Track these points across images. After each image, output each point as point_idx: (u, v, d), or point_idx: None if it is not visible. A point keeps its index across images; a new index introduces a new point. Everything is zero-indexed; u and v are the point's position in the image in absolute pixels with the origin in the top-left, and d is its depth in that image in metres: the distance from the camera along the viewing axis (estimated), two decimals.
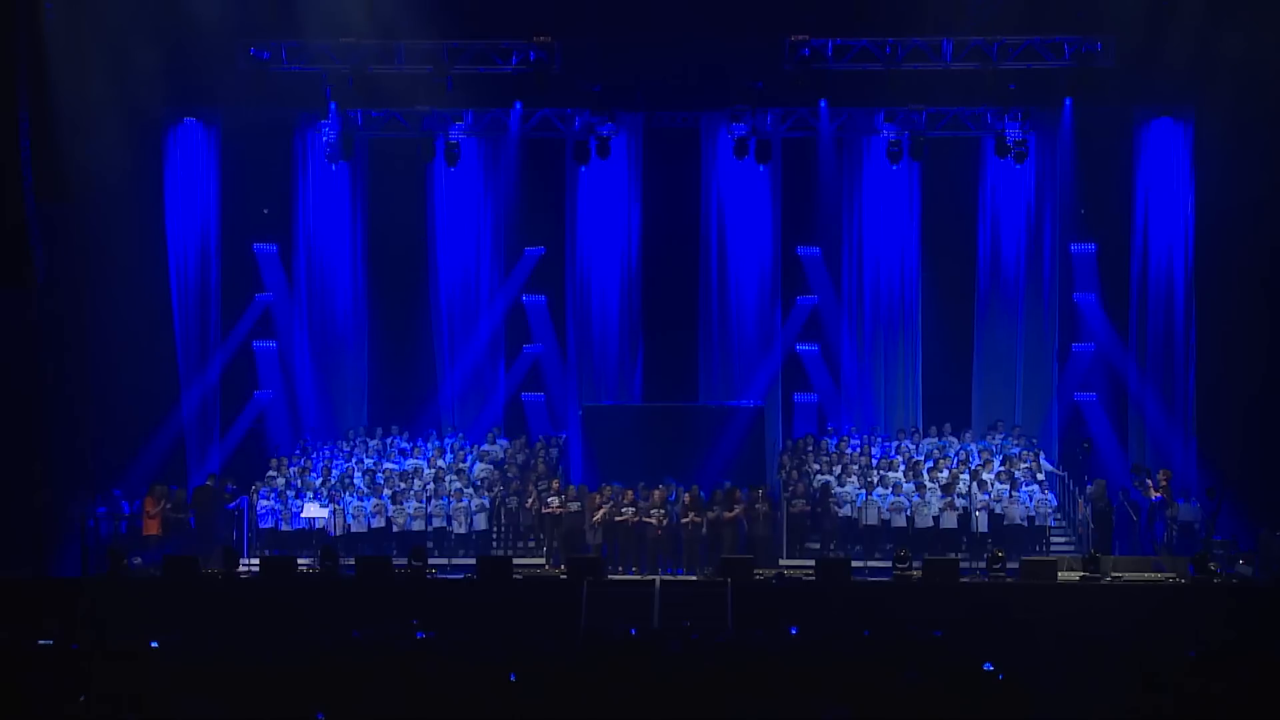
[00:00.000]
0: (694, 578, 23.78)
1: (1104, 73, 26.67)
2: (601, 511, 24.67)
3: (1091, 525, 25.14)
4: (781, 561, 24.67)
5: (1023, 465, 26.40)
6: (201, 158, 28.75)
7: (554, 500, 25.30)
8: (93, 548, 24.02)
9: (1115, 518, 25.48)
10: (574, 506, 25.20)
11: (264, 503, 25.73)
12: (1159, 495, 25.39)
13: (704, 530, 24.73)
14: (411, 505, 25.63)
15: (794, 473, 26.46)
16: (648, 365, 29.36)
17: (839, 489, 25.93)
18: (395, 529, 25.56)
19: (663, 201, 29.34)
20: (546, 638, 16.71)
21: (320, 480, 26.40)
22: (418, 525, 25.57)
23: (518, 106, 28.52)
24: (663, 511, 24.66)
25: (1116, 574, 23.33)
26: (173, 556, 23.75)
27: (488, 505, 25.97)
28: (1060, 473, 27.28)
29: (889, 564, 23.64)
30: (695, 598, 22.33)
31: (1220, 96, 26.43)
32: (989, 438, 27.87)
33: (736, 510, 24.75)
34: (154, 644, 16.58)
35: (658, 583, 22.78)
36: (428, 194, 29.45)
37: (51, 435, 25.36)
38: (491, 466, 27.22)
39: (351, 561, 23.95)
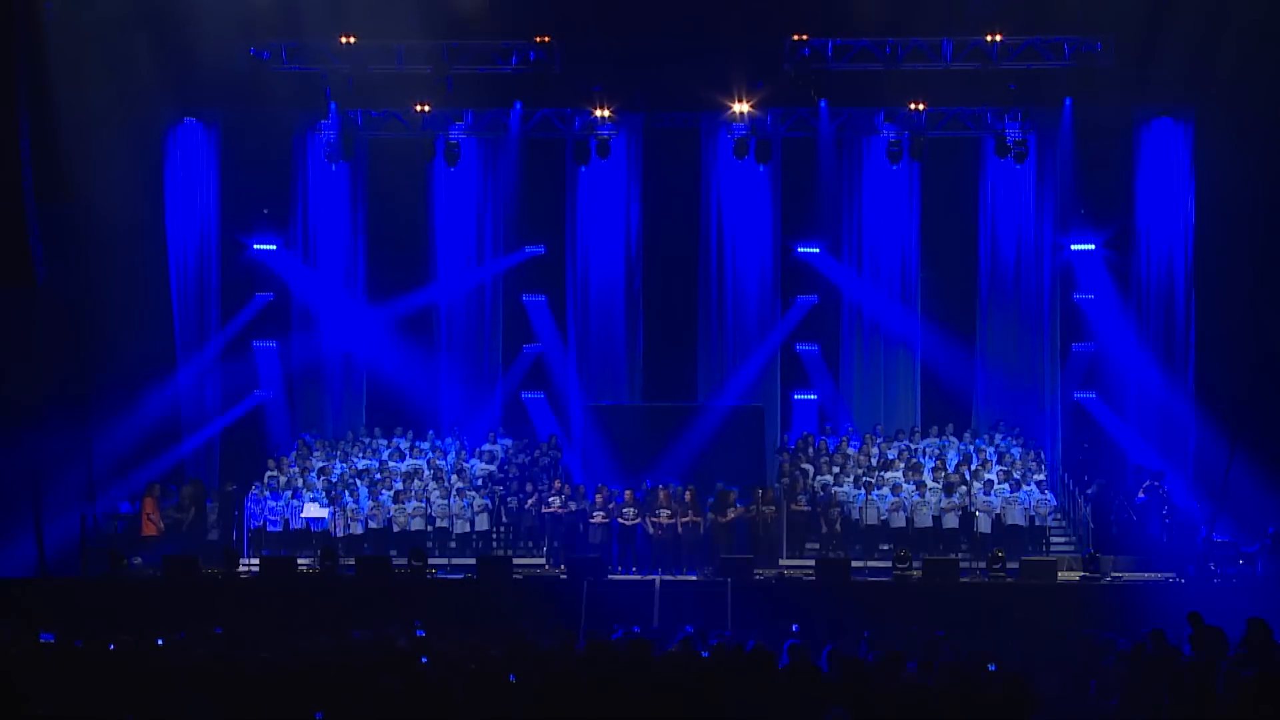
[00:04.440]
0: (694, 578, 23.79)
1: (1104, 73, 26.67)
2: (600, 518, 24.70)
3: (1091, 525, 25.16)
4: (781, 561, 24.67)
5: (1023, 466, 26.41)
6: (201, 158, 28.76)
7: (554, 500, 25.31)
8: (93, 548, 24.02)
9: (1115, 518, 25.50)
10: (574, 506, 25.22)
11: (264, 503, 25.74)
12: (1144, 496, 25.42)
13: (703, 530, 24.75)
14: (411, 505, 25.63)
15: (794, 472, 26.46)
16: (648, 365, 29.37)
17: (839, 489, 25.94)
18: (395, 529, 25.56)
19: (663, 201, 29.34)
20: (546, 638, 16.68)
21: (320, 480, 26.40)
22: (418, 525, 25.56)
23: (518, 106, 28.53)
24: (665, 511, 24.66)
25: (1116, 574, 23.35)
26: (173, 556, 23.77)
27: (488, 505, 25.99)
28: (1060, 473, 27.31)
29: (889, 564, 23.67)
30: (695, 598, 22.35)
31: (1220, 96, 26.41)
32: (989, 438, 27.87)
33: (732, 513, 24.76)
34: (159, 641, 16.64)
35: (658, 583, 22.80)
36: (428, 194, 29.46)
37: (51, 435, 25.34)
38: (492, 466, 27.23)
39: (351, 561, 23.97)
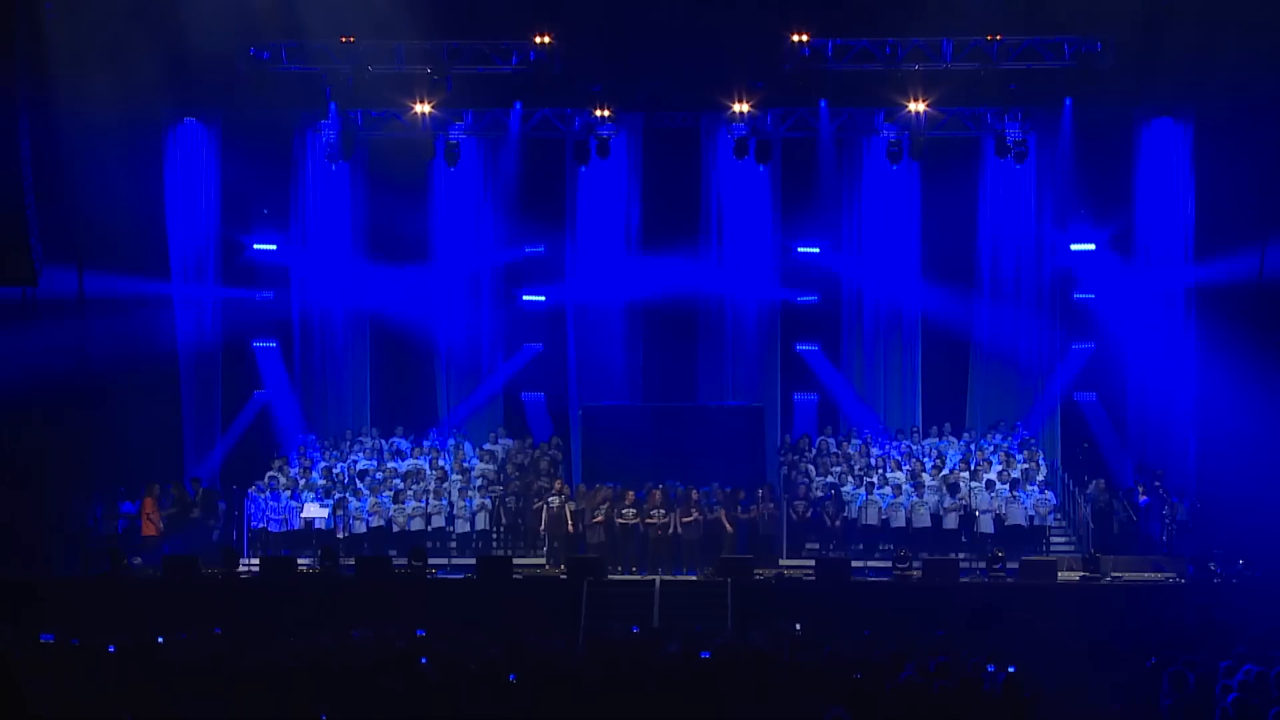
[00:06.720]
0: (694, 578, 23.79)
1: (1104, 73, 26.65)
2: (599, 518, 24.70)
3: (1091, 525, 25.16)
4: (781, 561, 24.67)
5: (1023, 466, 26.40)
6: (201, 158, 28.76)
7: (554, 500, 25.30)
8: (93, 548, 24.01)
9: (1115, 517, 25.49)
10: (574, 506, 25.22)
11: (264, 502, 25.73)
12: (1146, 498, 25.42)
13: (703, 530, 24.73)
14: (411, 505, 25.63)
15: (794, 473, 26.46)
16: (648, 365, 29.36)
17: (839, 489, 25.92)
18: (395, 529, 25.55)
19: (663, 201, 29.34)
20: (546, 638, 16.68)
21: (321, 480, 26.39)
22: (417, 525, 25.56)
23: (518, 106, 28.52)
24: (663, 511, 24.66)
25: (1116, 574, 23.36)
26: (173, 556, 23.78)
27: (488, 505, 25.98)
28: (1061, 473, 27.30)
29: (889, 564, 23.68)
30: (695, 598, 22.35)
31: (1220, 96, 26.40)
32: (989, 438, 27.86)
33: (738, 513, 24.77)
34: (159, 641, 16.65)
35: (658, 583, 22.81)
36: (428, 194, 29.45)
37: (51, 435, 25.34)
38: (492, 466, 27.22)
39: (351, 561, 23.97)
